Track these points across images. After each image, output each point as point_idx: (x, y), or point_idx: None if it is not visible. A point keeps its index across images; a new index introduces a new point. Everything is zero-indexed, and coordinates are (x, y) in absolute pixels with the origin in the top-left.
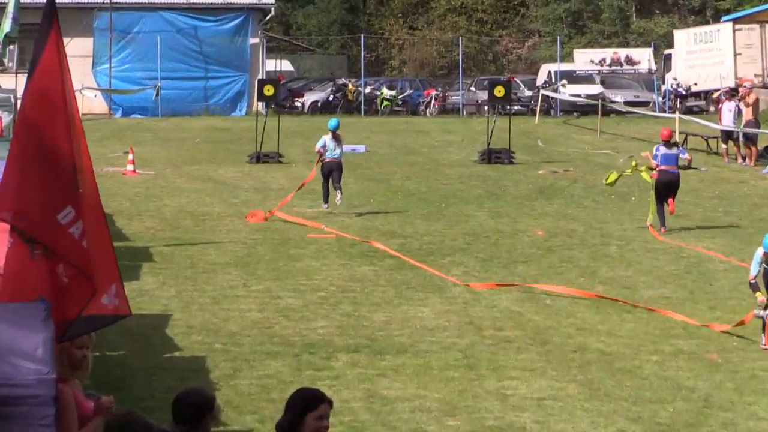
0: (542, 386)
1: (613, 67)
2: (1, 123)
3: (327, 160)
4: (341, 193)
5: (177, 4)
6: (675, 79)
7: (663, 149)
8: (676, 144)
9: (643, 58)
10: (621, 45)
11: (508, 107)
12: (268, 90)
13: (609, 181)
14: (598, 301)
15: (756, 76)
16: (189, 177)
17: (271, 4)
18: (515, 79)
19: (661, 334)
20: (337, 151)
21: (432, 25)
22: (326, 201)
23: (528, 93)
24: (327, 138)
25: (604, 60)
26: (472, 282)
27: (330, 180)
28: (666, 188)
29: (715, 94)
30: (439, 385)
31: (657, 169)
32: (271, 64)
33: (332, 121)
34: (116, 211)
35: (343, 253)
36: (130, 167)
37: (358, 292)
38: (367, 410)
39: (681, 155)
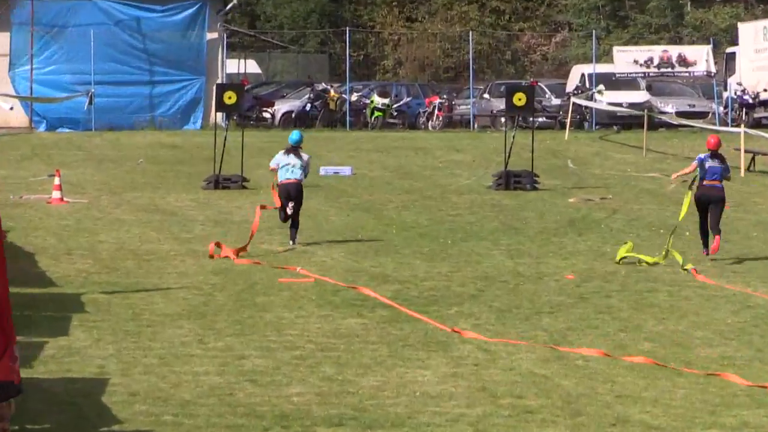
0: None
1: (663, 69)
2: None
3: (281, 182)
4: (296, 233)
5: None
6: (739, 84)
7: (710, 161)
8: (722, 157)
9: (700, 57)
10: (672, 41)
11: (531, 119)
12: (230, 97)
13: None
14: (641, 362)
15: None
16: (130, 206)
17: None
18: (539, 84)
19: (721, 402)
20: (295, 172)
21: (435, 17)
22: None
23: (556, 101)
24: (280, 154)
25: (651, 60)
26: (490, 338)
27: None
28: (707, 205)
29: None
30: None
31: (695, 185)
32: (234, 65)
33: (294, 134)
34: (39, 248)
35: (323, 301)
36: (56, 194)
37: (343, 350)
38: None
39: (725, 173)
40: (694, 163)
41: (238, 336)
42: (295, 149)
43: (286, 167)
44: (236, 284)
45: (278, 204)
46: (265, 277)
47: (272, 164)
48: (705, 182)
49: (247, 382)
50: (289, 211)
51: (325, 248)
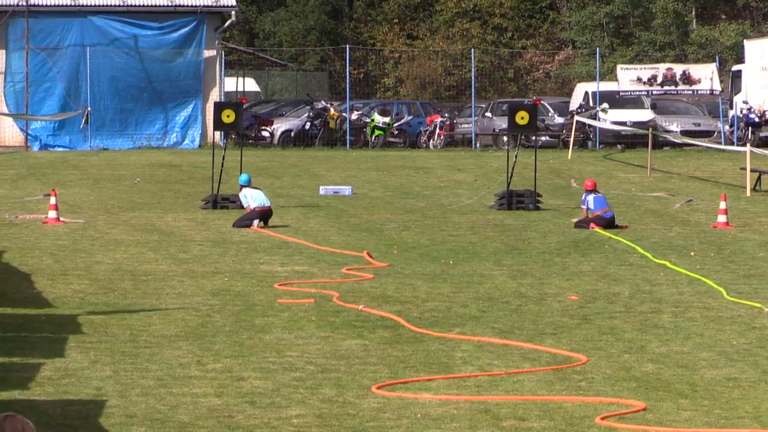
0: None
1: (667, 87)
2: None
3: (260, 207)
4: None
5: (111, 6)
6: (745, 102)
7: (591, 195)
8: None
9: (705, 75)
10: (677, 59)
11: (534, 138)
12: (228, 116)
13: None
14: (646, 383)
15: None
16: (127, 226)
17: (232, 6)
18: (542, 102)
19: (726, 423)
20: (267, 200)
21: (436, 34)
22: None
23: (559, 120)
24: (248, 191)
25: (654, 78)
26: (492, 370)
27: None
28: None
29: None
30: None
31: (593, 216)
32: (232, 83)
33: (243, 176)
34: (35, 269)
35: (323, 322)
36: (52, 214)
37: (343, 371)
38: None
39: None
40: (585, 208)
41: (237, 357)
42: (252, 186)
43: (259, 197)
44: (235, 305)
45: (249, 213)
46: (264, 298)
47: (246, 204)
48: (597, 212)
49: (246, 404)
50: (255, 224)
51: (325, 268)
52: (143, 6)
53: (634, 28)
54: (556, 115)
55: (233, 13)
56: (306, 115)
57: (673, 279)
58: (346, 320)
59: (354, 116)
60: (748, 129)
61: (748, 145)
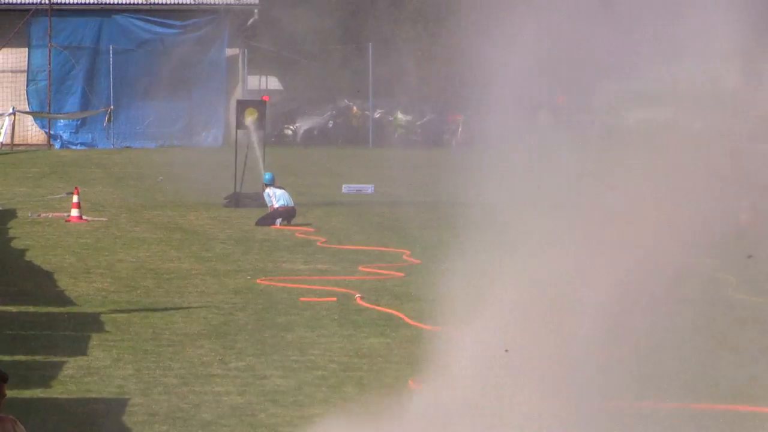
0: None
1: None
2: None
3: (284, 207)
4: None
5: (133, 5)
6: None
7: None
8: None
9: None
10: None
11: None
12: (251, 114)
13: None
14: None
15: None
16: (150, 224)
17: (254, 5)
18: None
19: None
20: (291, 199)
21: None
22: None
23: None
24: (272, 190)
25: None
26: None
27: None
28: None
29: None
30: None
31: None
32: (255, 81)
33: (267, 174)
34: (58, 267)
35: (345, 321)
36: (75, 212)
37: (366, 370)
38: None
39: None
40: None
41: (260, 356)
42: (275, 185)
43: (283, 197)
44: (257, 303)
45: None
46: (286, 297)
47: (270, 203)
48: None
49: (269, 403)
50: (278, 223)
51: (347, 267)
52: (166, 4)
53: None
54: None
55: (256, 11)
56: (329, 113)
57: None
58: (369, 319)
59: (377, 115)
60: None
61: None
